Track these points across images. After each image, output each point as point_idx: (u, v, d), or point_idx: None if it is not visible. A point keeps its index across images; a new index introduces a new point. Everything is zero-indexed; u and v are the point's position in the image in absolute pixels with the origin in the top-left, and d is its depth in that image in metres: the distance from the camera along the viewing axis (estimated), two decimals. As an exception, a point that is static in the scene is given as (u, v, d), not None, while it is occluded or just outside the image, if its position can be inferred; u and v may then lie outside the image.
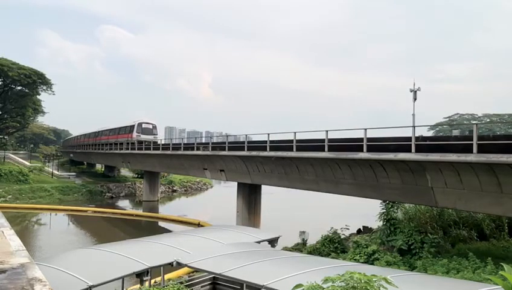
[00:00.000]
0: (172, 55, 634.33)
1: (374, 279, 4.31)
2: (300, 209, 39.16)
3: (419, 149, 14.99)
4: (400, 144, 15.76)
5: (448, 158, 13.79)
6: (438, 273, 13.83)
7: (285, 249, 20.28)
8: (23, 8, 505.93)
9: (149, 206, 45.15)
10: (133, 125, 49.01)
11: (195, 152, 31.61)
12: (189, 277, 14.33)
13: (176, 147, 36.55)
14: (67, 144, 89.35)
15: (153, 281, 11.28)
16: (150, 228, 33.35)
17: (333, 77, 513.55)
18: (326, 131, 19.10)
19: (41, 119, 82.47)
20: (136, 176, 62.38)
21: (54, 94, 60.15)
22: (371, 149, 16.74)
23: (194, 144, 34.56)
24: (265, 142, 23.30)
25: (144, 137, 47.21)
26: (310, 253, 19.17)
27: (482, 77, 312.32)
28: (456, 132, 28.13)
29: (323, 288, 4.60)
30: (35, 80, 55.18)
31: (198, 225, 30.77)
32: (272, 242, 14.03)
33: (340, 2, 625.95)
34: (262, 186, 28.60)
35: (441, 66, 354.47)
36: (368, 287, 4.21)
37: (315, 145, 19.77)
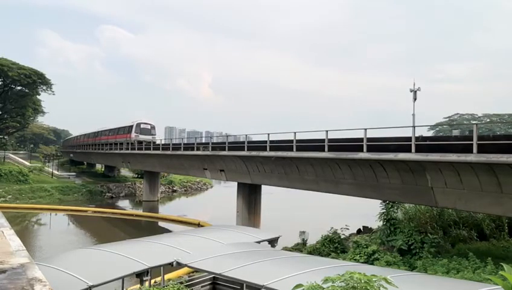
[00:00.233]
0: (172, 55, 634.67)
1: (374, 279, 4.31)
2: (300, 209, 39.16)
3: (419, 149, 14.99)
4: (400, 144, 15.76)
5: (448, 158, 13.79)
6: (438, 273, 13.83)
7: (285, 249, 20.28)
8: (23, 8, 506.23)
9: (149, 206, 45.15)
10: (132, 126, 49.05)
11: (195, 152, 31.62)
12: (189, 277, 14.33)
13: (176, 147, 36.56)
14: (67, 144, 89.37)
15: (153, 281, 11.28)
16: (150, 228, 33.35)
17: (333, 77, 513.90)
18: (326, 131, 19.10)
19: (41, 119, 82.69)
20: (136, 176, 62.38)
21: (54, 94, 60.28)
22: (371, 149, 16.74)
23: (194, 144, 34.58)
24: (265, 142, 23.30)
25: (142, 137, 47.27)
26: (310, 253, 19.17)
27: (482, 77, 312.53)
28: (456, 132, 28.16)
29: (323, 288, 4.60)
30: (35, 80, 55.18)
31: (198, 225, 30.77)
32: (272, 242, 14.03)
33: (340, 2, 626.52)
34: (262, 186, 28.61)
35: (441, 66, 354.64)
36: (368, 287, 4.21)
37: (315, 145, 19.77)
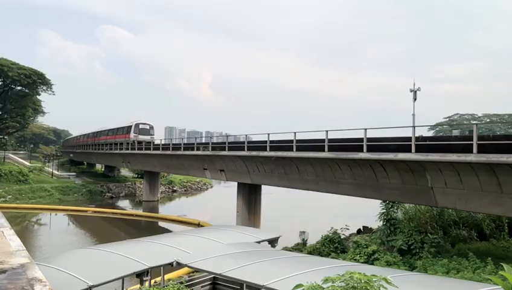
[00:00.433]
0: (172, 55, 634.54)
1: (374, 279, 4.31)
2: (300, 209, 39.16)
3: (419, 149, 14.99)
4: (400, 144, 15.76)
5: (448, 158, 13.79)
6: (438, 273, 13.83)
7: (285, 249, 20.27)
8: (23, 8, 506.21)
9: (149, 206, 45.16)
10: (131, 126, 49.17)
11: (195, 152, 31.62)
12: (189, 277, 14.33)
13: (176, 147, 36.57)
14: (67, 144, 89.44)
15: (153, 281, 11.28)
16: (150, 228, 33.35)
17: (333, 77, 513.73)
18: (326, 131, 19.10)
19: (41, 119, 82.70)
20: (136, 176, 62.39)
21: (54, 94, 60.33)
22: (371, 149, 16.74)
23: (194, 144, 34.59)
24: (265, 142, 23.31)
25: (141, 137, 47.43)
26: (310, 253, 19.17)
27: (482, 77, 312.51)
28: (456, 132, 28.17)
29: (323, 288, 4.60)
30: (35, 80, 55.21)
31: (198, 225, 30.77)
32: (272, 242, 14.02)
33: (340, 2, 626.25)
34: (262, 186, 28.61)
35: (441, 66, 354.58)
36: (368, 287, 4.21)
37: (315, 145, 19.78)
